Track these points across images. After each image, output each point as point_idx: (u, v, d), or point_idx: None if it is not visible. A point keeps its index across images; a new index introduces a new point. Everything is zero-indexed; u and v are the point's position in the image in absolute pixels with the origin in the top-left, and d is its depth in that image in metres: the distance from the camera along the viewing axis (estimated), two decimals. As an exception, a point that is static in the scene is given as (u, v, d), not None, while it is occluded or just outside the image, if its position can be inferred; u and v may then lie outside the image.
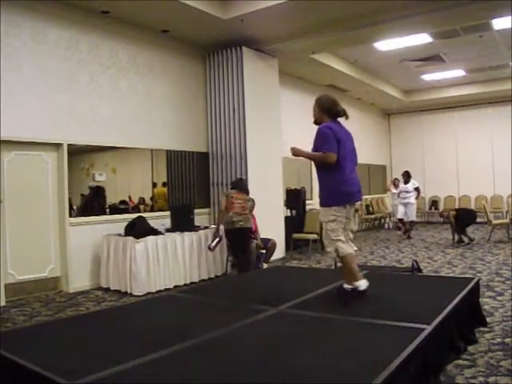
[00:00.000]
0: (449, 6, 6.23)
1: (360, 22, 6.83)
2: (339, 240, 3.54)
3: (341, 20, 6.86)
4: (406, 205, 10.23)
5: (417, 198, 10.45)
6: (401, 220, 10.48)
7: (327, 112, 3.67)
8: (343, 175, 3.55)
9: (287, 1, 6.10)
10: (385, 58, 9.68)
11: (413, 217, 10.33)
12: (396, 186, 10.93)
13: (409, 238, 10.17)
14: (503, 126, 12.63)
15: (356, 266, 3.61)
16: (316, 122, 3.75)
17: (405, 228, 10.51)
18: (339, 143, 3.52)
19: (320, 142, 3.55)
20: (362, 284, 3.54)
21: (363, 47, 8.72)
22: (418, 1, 6.22)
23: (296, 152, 3.65)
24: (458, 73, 11.22)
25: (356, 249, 3.74)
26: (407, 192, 10.23)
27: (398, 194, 10.51)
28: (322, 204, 3.65)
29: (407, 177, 10.31)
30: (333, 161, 3.46)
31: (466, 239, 9.04)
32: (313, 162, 3.78)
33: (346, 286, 3.61)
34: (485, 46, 9.00)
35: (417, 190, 10.29)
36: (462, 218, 8.98)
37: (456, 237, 9.17)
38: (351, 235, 3.76)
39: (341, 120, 3.76)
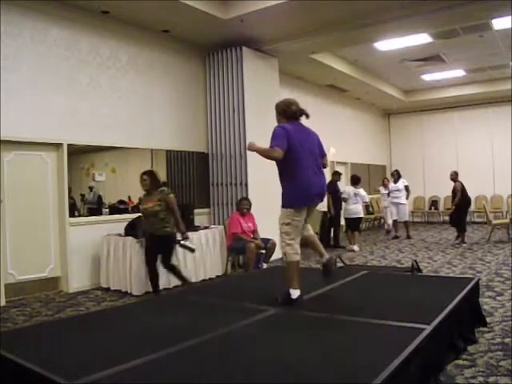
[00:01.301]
0: (449, 6, 6.23)
1: (360, 22, 6.83)
2: (290, 245, 3.54)
3: (341, 20, 6.85)
4: (397, 205, 10.19)
5: (407, 198, 10.40)
6: (394, 221, 10.45)
7: (283, 114, 3.71)
8: (301, 177, 3.53)
9: (287, 1, 6.11)
10: (385, 58, 9.67)
11: (406, 217, 10.31)
12: (385, 186, 10.89)
13: (408, 237, 10.16)
14: (503, 126, 12.63)
15: (297, 274, 3.56)
16: None
17: (389, 229, 10.56)
18: (295, 144, 3.49)
19: (271, 138, 3.54)
20: (295, 293, 3.52)
21: (363, 47, 8.72)
22: (418, 1, 6.22)
23: (251, 147, 3.65)
24: (458, 73, 11.22)
25: (312, 233, 3.77)
26: (398, 191, 10.19)
27: (388, 194, 10.47)
28: (282, 205, 3.63)
29: (398, 176, 10.29)
30: (279, 156, 3.42)
31: (459, 236, 9.08)
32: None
33: (284, 289, 3.56)
34: (485, 46, 9.00)
35: (406, 188, 10.23)
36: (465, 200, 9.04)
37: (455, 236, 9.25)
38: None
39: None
